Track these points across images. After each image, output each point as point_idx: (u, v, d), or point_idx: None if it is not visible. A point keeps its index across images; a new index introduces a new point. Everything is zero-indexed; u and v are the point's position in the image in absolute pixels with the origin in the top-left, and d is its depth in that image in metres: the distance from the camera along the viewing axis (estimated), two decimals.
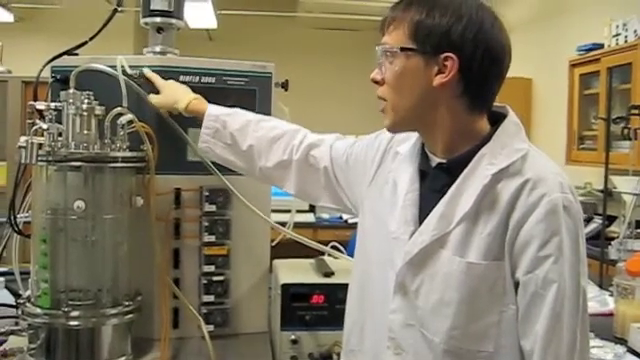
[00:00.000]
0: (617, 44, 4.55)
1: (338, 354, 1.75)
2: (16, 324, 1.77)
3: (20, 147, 1.60)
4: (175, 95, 1.82)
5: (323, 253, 2.17)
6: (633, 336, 2.13)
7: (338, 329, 1.57)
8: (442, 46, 1.25)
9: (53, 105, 1.69)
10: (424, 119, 1.32)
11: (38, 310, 1.66)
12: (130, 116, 1.72)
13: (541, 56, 6.05)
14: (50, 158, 1.63)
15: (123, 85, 1.78)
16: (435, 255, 1.28)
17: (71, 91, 1.70)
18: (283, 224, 2.13)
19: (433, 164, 1.36)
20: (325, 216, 6.15)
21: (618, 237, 3.38)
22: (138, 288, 1.80)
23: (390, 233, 1.36)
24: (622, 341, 2.16)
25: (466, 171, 1.28)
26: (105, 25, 1.89)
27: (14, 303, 1.97)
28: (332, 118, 5.46)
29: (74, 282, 1.69)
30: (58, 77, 1.83)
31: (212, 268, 1.94)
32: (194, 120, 1.81)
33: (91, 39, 1.88)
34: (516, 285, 1.23)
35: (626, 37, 4.47)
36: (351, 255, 1.63)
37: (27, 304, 1.69)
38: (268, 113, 1.92)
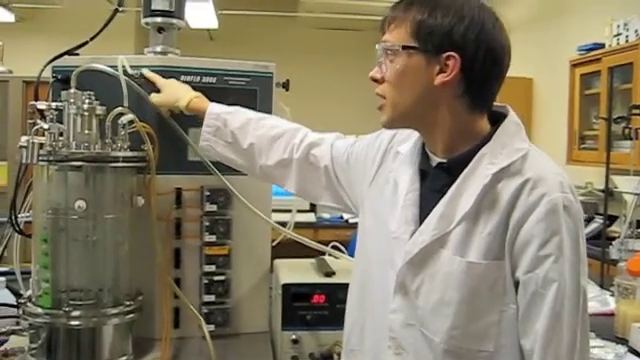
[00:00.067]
0: (618, 44, 4.55)
1: (339, 354, 1.75)
2: (17, 324, 1.77)
3: (21, 147, 1.60)
4: (176, 93, 1.82)
5: (324, 253, 2.17)
6: (634, 336, 2.12)
7: (339, 329, 1.57)
8: (444, 45, 1.25)
9: (54, 105, 1.69)
10: (424, 118, 1.32)
11: (39, 310, 1.66)
12: (131, 116, 1.72)
13: (542, 56, 6.05)
14: (51, 158, 1.63)
15: (124, 85, 1.78)
16: (435, 255, 1.28)
17: (72, 91, 1.70)
18: (284, 224, 2.14)
19: (433, 164, 1.36)
20: (326, 216, 6.15)
21: (619, 237, 3.37)
22: (139, 288, 1.80)
23: (390, 233, 1.36)
24: (623, 341, 2.16)
25: (466, 171, 1.28)
26: (106, 25, 1.89)
27: (15, 303, 1.98)
28: (333, 118, 5.45)
29: (75, 282, 1.69)
30: (59, 77, 1.83)
31: (213, 268, 1.94)
32: (195, 120, 1.81)
33: (92, 39, 1.88)
34: (516, 284, 1.23)
35: (627, 37, 4.47)
36: (352, 255, 1.63)
37: (28, 304, 1.69)
38: (269, 113, 1.92)
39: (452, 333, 1.25)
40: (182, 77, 1.90)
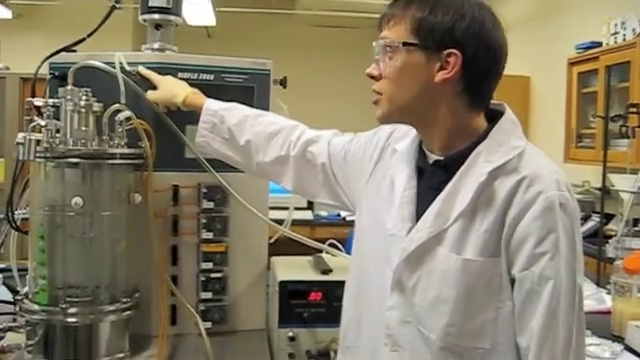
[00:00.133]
0: (615, 42, 4.56)
1: (335, 351, 1.75)
2: (14, 321, 1.76)
3: (18, 143, 1.60)
4: (173, 90, 1.82)
5: (321, 250, 2.17)
6: (630, 334, 2.13)
7: (336, 326, 1.57)
8: (445, 42, 1.25)
9: (51, 101, 1.69)
10: (422, 115, 1.32)
11: (36, 307, 1.66)
12: (128, 113, 1.72)
13: (539, 54, 6.05)
14: (48, 154, 1.63)
15: (121, 82, 1.78)
16: (432, 252, 1.28)
17: (69, 87, 1.69)
18: (281, 221, 2.13)
19: (430, 161, 1.36)
20: (323, 213, 6.15)
21: (616, 235, 3.39)
22: (136, 285, 1.80)
23: (387, 230, 1.36)
24: (619, 339, 2.16)
25: (463, 168, 1.28)
26: (103, 22, 1.89)
27: (12, 300, 1.97)
28: (330, 115, 5.44)
29: (72, 279, 1.69)
30: (56, 74, 1.83)
31: (210, 265, 1.94)
32: (192, 117, 1.81)
33: (89, 36, 1.88)
34: (512, 282, 1.23)
35: (624, 35, 4.48)
36: (349, 253, 1.63)
37: (25, 301, 1.69)
38: (266, 110, 1.91)
39: (448, 330, 1.25)
40: (179, 74, 1.90)
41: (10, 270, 1.98)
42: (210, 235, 1.94)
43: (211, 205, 1.93)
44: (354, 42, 6.96)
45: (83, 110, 1.68)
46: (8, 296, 2.08)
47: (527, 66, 6.15)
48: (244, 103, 1.82)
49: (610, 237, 3.50)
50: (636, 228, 3.70)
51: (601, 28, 4.73)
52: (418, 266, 1.30)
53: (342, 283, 1.56)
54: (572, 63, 5.10)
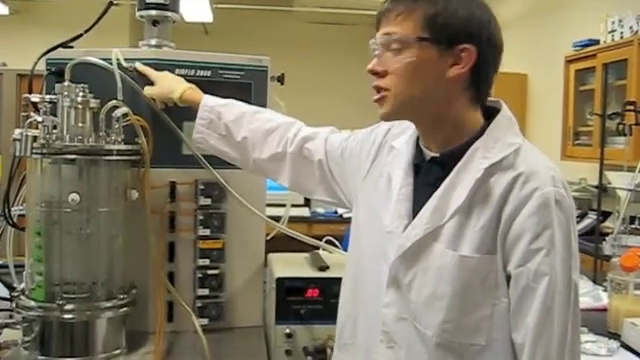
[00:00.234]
0: (613, 40, 4.57)
1: (332, 348, 1.76)
2: (10, 317, 1.76)
3: (15, 140, 1.59)
4: (170, 85, 1.82)
5: (318, 247, 2.17)
6: (626, 331, 2.13)
7: (333, 323, 1.57)
8: (459, 38, 1.26)
9: (48, 98, 1.68)
10: (430, 112, 1.31)
11: (32, 303, 1.66)
12: (125, 109, 1.72)
13: (537, 52, 6.06)
14: (45, 151, 1.62)
15: (118, 78, 1.77)
16: (428, 248, 1.28)
17: (66, 84, 1.69)
18: (278, 218, 2.14)
19: (427, 158, 1.36)
20: (320, 210, 6.16)
21: (612, 233, 3.39)
22: (133, 281, 1.80)
23: (384, 227, 1.36)
24: (616, 336, 2.16)
25: (459, 165, 1.28)
26: (100, 18, 1.89)
27: (8, 296, 1.97)
28: (327, 112, 5.46)
29: (69, 275, 1.69)
30: (53, 70, 1.82)
31: (207, 262, 1.94)
32: (189, 113, 1.81)
33: (86, 32, 1.88)
34: (508, 278, 1.24)
35: (622, 33, 4.48)
36: (346, 249, 1.63)
37: (21, 297, 1.69)
38: (264, 107, 1.91)
39: (444, 327, 1.26)
40: (177, 70, 1.90)
41: (7, 266, 1.97)
42: (207, 232, 1.94)
43: (208, 202, 1.93)
44: (351, 39, 6.96)
45: (80, 106, 1.68)
46: (5, 292, 2.08)
47: (524, 63, 6.16)
48: (241, 100, 1.82)
49: (607, 235, 3.50)
50: (633, 226, 3.71)
51: (598, 26, 4.73)
52: (414, 263, 1.30)
53: (339, 280, 1.56)
54: (569, 61, 5.11)
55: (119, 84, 1.76)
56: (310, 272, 1.97)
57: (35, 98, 1.70)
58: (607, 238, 3.34)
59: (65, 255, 1.68)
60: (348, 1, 7.01)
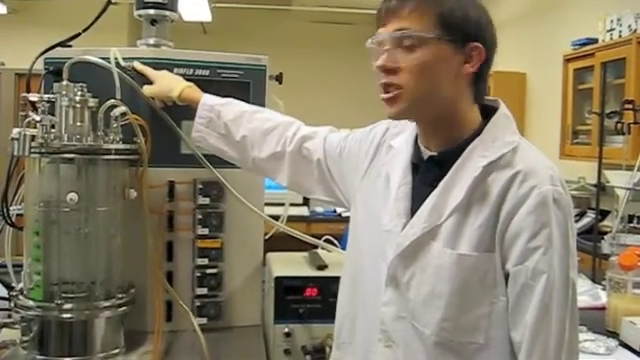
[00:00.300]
0: (611, 39, 4.56)
1: (331, 347, 1.76)
2: (9, 317, 1.76)
3: (13, 139, 1.59)
4: (169, 84, 1.82)
5: (317, 246, 2.17)
6: (625, 330, 2.14)
7: (331, 322, 1.57)
8: (471, 36, 1.26)
9: (46, 97, 1.68)
10: (437, 110, 1.30)
11: (31, 303, 1.66)
12: (123, 108, 1.72)
13: (535, 51, 6.06)
14: (43, 150, 1.62)
15: (116, 77, 1.77)
16: (426, 247, 1.28)
17: (64, 83, 1.69)
18: (277, 217, 2.14)
19: (425, 157, 1.36)
20: (319, 210, 6.16)
21: (611, 231, 3.39)
22: (131, 281, 1.80)
23: (382, 226, 1.36)
24: (614, 335, 2.17)
25: (457, 164, 1.28)
26: (98, 17, 1.88)
27: (7, 296, 1.97)
28: (326, 111, 5.45)
29: (67, 274, 1.68)
30: (51, 69, 1.82)
31: (205, 261, 1.94)
32: (188, 112, 1.81)
33: (84, 31, 1.88)
34: (506, 277, 1.24)
35: (620, 32, 4.48)
36: (344, 249, 1.63)
37: (20, 296, 1.69)
38: (262, 106, 1.91)
39: (443, 325, 1.26)
40: (175, 69, 1.90)
41: (5, 266, 1.97)
42: (206, 231, 1.94)
43: (207, 201, 1.93)
44: (350, 38, 6.95)
45: (78, 105, 1.68)
46: (3, 292, 2.08)
47: (523, 62, 6.16)
48: (240, 99, 1.82)
49: (605, 233, 3.51)
50: (631, 224, 3.71)
51: (597, 24, 4.73)
52: (412, 261, 1.30)
53: (338, 279, 1.56)
54: (568, 59, 5.11)
55: (117, 83, 1.76)
56: (309, 271, 1.97)
57: (33, 97, 1.70)
58: (606, 237, 3.34)
59: (63, 255, 1.67)
60: (347, 0, 7.01)
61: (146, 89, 1.83)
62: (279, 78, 2.03)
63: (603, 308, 2.36)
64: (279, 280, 1.90)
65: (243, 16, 7.66)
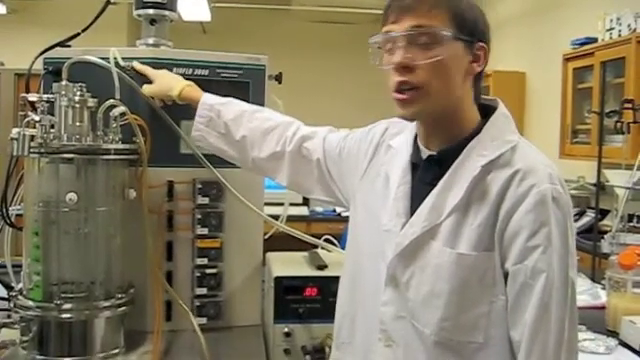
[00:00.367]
0: (611, 38, 4.56)
1: (330, 347, 1.76)
2: (8, 317, 1.76)
3: (12, 139, 1.59)
4: (169, 83, 1.82)
5: (316, 246, 2.17)
6: (625, 329, 2.14)
7: (331, 322, 1.57)
8: (478, 35, 1.28)
9: (45, 97, 1.68)
10: (446, 109, 1.30)
11: (30, 303, 1.66)
12: (123, 108, 1.72)
13: (535, 50, 6.06)
14: (42, 150, 1.62)
15: (115, 77, 1.77)
16: (426, 246, 1.28)
17: (63, 83, 1.69)
18: (276, 217, 2.14)
19: (424, 156, 1.36)
20: (319, 209, 6.15)
21: (611, 231, 3.39)
22: (131, 281, 1.80)
23: (382, 225, 1.36)
24: (614, 334, 2.17)
25: (456, 163, 1.28)
26: (98, 17, 1.88)
27: (6, 296, 1.97)
28: (325, 111, 5.45)
29: (66, 275, 1.68)
30: (50, 69, 1.82)
31: (205, 261, 1.94)
32: (187, 112, 1.81)
33: (84, 31, 1.87)
34: (505, 276, 1.24)
35: (620, 31, 4.48)
36: (344, 248, 1.63)
37: (19, 297, 1.69)
38: (261, 106, 1.91)
39: (442, 325, 1.26)
40: (174, 69, 1.90)
41: (4, 266, 1.97)
42: (205, 231, 1.94)
43: (206, 201, 1.93)
44: (350, 38, 6.97)
45: (77, 105, 1.68)
46: (3, 292, 2.08)
47: (522, 62, 6.16)
48: (239, 98, 1.82)
49: (605, 233, 3.50)
50: (631, 224, 3.71)
51: (596, 24, 4.73)
52: (412, 261, 1.30)
53: (337, 279, 1.56)
54: (567, 59, 5.11)
55: (117, 83, 1.76)
56: (308, 271, 1.97)
57: (33, 97, 1.70)
58: (605, 236, 3.34)
59: (63, 255, 1.67)
60: (347, 0, 7.01)
61: (146, 88, 1.83)
62: (279, 78, 2.03)
63: (603, 307, 2.36)
64: (279, 280, 1.90)
65: (242, 16, 7.66)
